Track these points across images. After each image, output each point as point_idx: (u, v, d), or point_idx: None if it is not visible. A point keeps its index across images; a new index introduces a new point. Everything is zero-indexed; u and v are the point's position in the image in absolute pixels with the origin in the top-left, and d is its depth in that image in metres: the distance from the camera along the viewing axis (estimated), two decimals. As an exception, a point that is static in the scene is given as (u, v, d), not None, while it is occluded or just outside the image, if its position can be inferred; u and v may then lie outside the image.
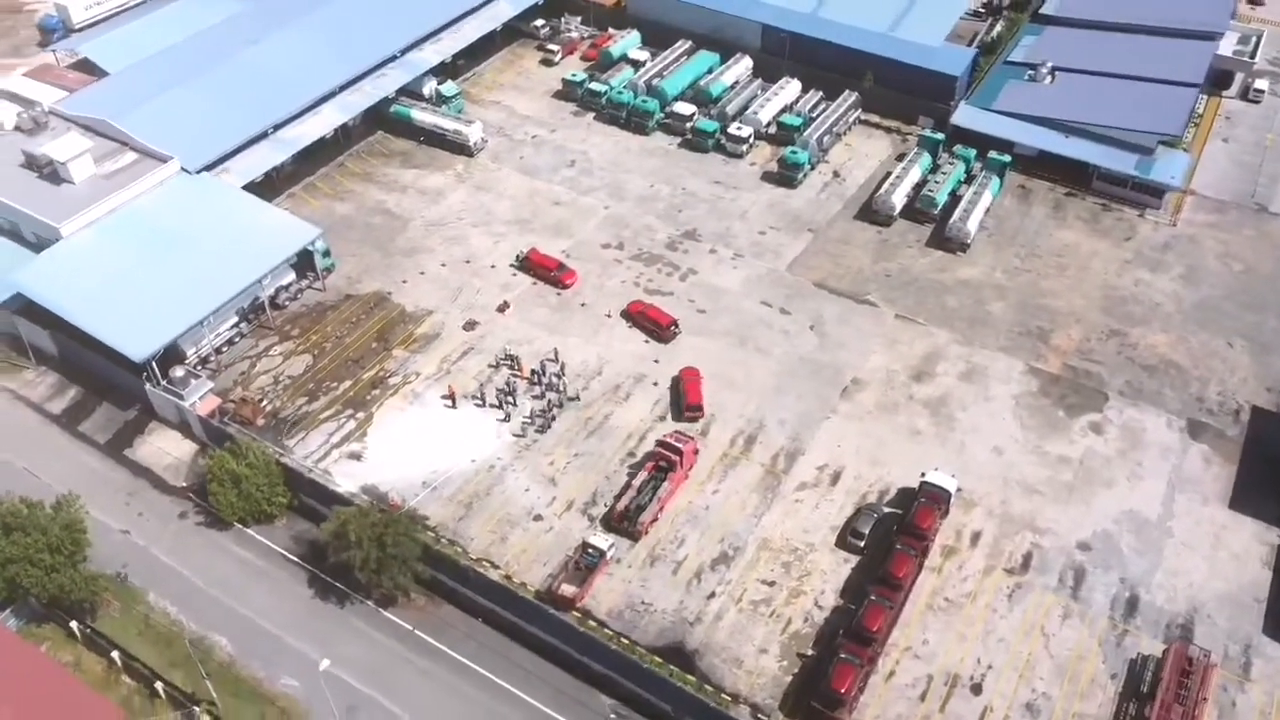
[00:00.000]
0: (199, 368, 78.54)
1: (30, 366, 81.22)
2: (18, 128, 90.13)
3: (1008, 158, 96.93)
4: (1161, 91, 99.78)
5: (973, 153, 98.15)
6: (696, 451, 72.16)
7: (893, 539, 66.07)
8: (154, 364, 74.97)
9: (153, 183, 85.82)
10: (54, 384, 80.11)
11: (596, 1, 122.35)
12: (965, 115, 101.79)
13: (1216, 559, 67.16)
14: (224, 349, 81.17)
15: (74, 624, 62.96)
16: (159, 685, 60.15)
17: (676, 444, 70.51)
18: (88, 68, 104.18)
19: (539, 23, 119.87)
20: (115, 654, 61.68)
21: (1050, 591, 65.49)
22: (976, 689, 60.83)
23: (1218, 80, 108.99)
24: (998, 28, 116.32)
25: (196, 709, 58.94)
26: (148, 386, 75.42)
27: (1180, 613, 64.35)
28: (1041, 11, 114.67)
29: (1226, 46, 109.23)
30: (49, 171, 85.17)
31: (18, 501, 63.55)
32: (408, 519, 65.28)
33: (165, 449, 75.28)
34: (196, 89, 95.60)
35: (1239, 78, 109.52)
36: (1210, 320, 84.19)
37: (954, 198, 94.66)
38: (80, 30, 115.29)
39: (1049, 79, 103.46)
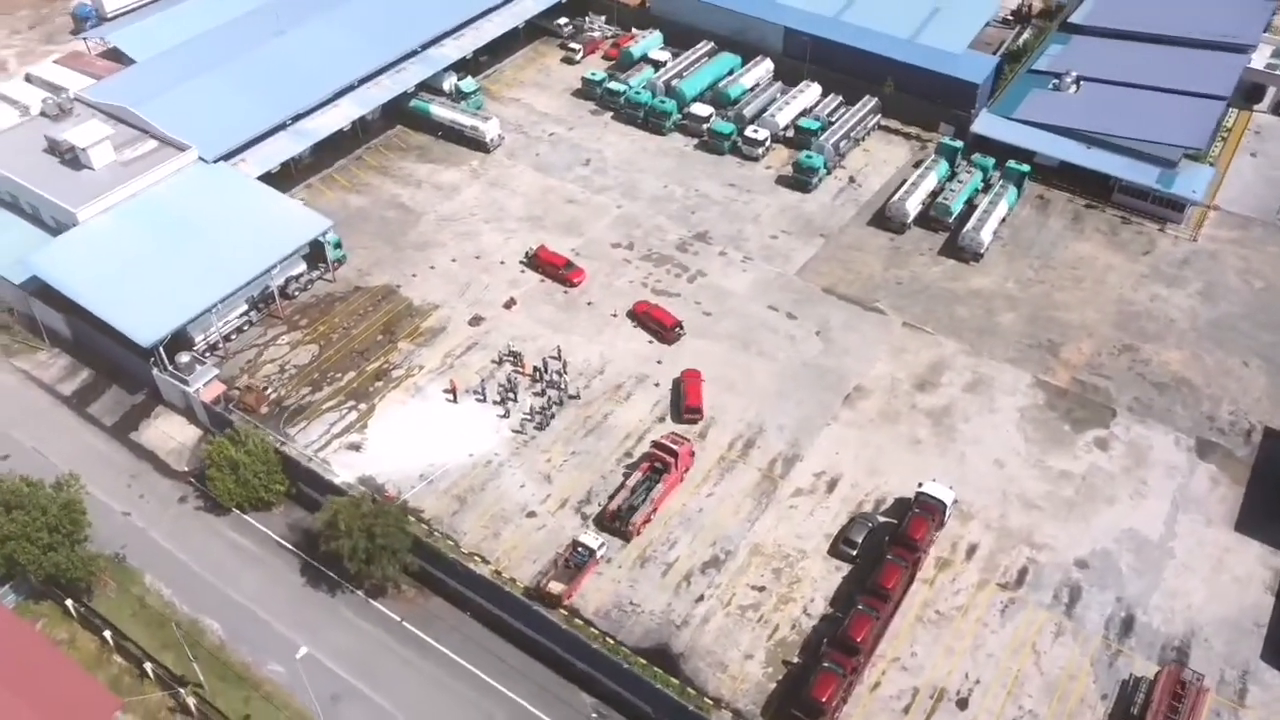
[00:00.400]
0: (207, 354, 79.48)
1: (44, 348, 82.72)
2: (43, 113, 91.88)
3: (1026, 167, 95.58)
4: (1187, 104, 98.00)
5: (991, 161, 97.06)
6: (692, 454, 71.86)
7: (885, 549, 65.46)
8: (162, 349, 76.02)
9: (170, 171, 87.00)
10: (66, 366, 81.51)
11: (620, 1, 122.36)
12: (986, 123, 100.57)
13: (1217, 582, 65.82)
14: (232, 336, 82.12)
15: (69, 602, 64.02)
16: (148, 666, 61.03)
17: (672, 445, 70.31)
18: (117, 56, 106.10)
19: (562, 21, 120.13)
20: (107, 633, 62.61)
21: (1044, 608, 64.52)
22: (962, 704, 60.07)
23: (1249, 94, 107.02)
24: (1025, 36, 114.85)
25: (183, 690, 59.68)
26: (154, 371, 76.49)
27: (1177, 635, 63.15)
28: (1070, 20, 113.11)
29: (1260, 60, 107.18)
30: (70, 157, 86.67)
31: (19, 480, 64.68)
32: (399, 511, 65.69)
33: (170, 433, 76.36)
34: (218, 79, 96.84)
35: (1271, 91, 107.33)
36: (1226, 338, 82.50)
37: (970, 206, 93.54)
38: (113, 19, 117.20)
39: (1073, 88, 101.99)
